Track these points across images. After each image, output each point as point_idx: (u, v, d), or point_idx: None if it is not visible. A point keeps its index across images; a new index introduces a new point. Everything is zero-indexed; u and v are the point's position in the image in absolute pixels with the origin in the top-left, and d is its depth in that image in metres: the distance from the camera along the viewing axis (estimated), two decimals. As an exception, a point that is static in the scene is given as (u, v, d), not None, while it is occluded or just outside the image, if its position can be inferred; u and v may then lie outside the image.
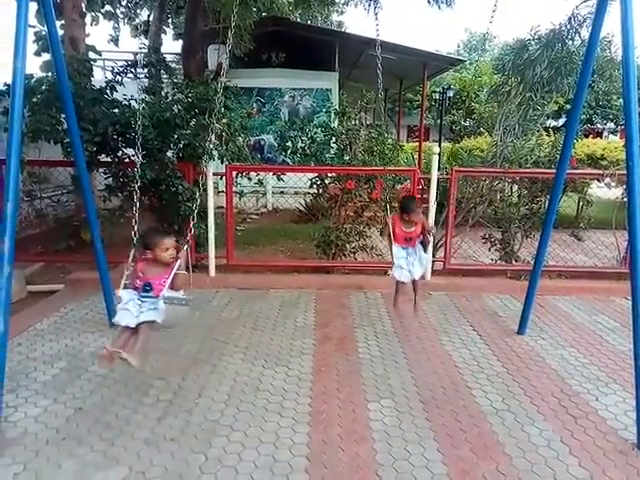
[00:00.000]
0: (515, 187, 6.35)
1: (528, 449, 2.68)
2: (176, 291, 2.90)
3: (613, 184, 6.20)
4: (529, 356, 3.87)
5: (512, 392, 3.31)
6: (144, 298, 2.84)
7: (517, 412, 3.05)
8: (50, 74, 5.83)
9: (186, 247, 3.04)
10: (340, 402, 3.14)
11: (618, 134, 27.00)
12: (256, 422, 2.90)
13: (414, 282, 3.96)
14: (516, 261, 5.94)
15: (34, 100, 5.16)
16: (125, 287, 2.90)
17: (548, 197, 4.66)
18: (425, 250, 3.91)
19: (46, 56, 9.15)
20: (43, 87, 5.24)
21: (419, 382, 3.42)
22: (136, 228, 3.20)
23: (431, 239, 4.12)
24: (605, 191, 6.41)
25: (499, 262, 5.96)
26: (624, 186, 5.87)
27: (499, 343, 4.12)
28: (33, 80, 5.35)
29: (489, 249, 6.03)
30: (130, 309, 2.79)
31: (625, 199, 5.56)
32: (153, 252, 2.92)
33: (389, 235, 3.83)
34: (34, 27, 8.94)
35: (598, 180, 6.14)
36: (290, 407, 3.07)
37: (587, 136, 15.46)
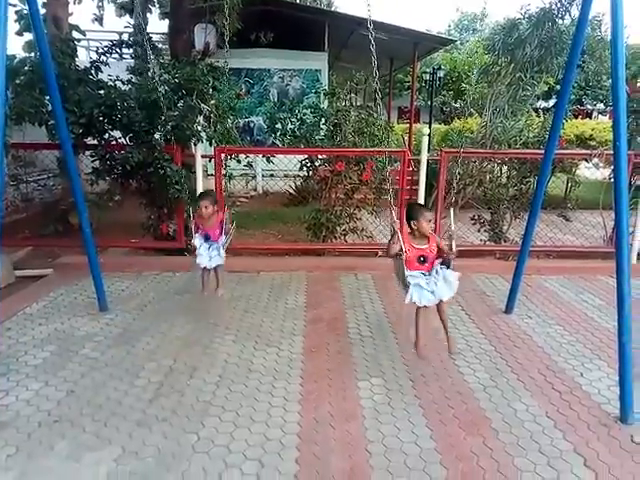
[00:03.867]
0: (504, 168, 6.38)
1: (514, 424, 2.75)
2: (226, 235, 4.01)
3: (601, 164, 6.24)
4: (516, 334, 3.94)
5: (499, 369, 3.37)
6: (208, 242, 3.94)
7: (504, 389, 3.12)
8: (33, 54, 5.70)
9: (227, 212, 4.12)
10: (331, 381, 3.18)
11: (607, 115, 27.09)
12: (248, 402, 2.93)
13: (440, 308, 3.14)
14: (505, 242, 5.99)
15: (17, 81, 5.05)
16: (197, 233, 3.93)
17: (537, 178, 4.69)
18: (448, 267, 3.13)
19: (28, 36, 8.94)
20: (26, 68, 5.12)
21: (408, 361, 3.47)
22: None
23: (454, 248, 3.17)
24: (593, 171, 6.46)
25: (488, 243, 6.01)
26: (612, 167, 5.92)
27: (487, 322, 4.18)
28: (16, 61, 5.23)
29: (478, 230, 6.07)
30: (202, 253, 3.89)
31: (612, 179, 5.61)
32: (199, 210, 3.89)
33: (397, 255, 3.02)
34: (15, 6, 8.69)
35: (586, 160, 6.18)
36: (281, 387, 3.11)
37: (576, 117, 15.48)
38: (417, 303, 3.04)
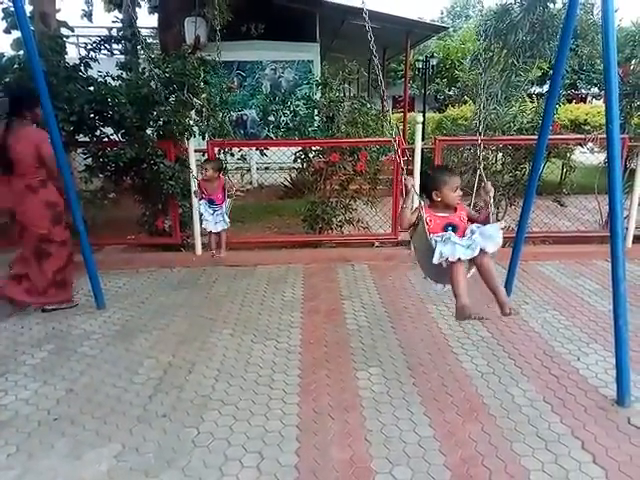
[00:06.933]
0: (499, 155, 6.36)
1: (512, 409, 2.76)
2: (229, 197, 4.39)
3: (596, 149, 6.23)
4: (513, 320, 3.94)
5: (497, 356, 3.39)
6: (213, 207, 4.29)
7: (501, 375, 3.14)
8: (22, 52, 5.64)
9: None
10: (329, 372, 3.19)
11: (601, 99, 27.01)
12: (247, 395, 2.94)
13: (481, 263, 2.58)
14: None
15: (6, 80, 5.00)
16: (201, 199, 4.28)
17: (531, 164, 4.68)
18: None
19: (17, 33, 8.84)
20: (15, 66, 5.08)
21: (406, 350, 3.48)
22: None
23: (492, 206, 2.75)
24: (588, 156, 6.45)
25: (484, 230, 5.99)
26: (607, 151, 5.91)
27: (483, 309, 4.18)
28: (4, 59, 5.19)
29: (474, 217, 6.06)
30: (208, 219, 4.28)
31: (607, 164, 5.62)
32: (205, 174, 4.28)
33: (414, 225, 2.58)
34: (1, 3, 8.61)
35: (581, 145, 6.17)
36: (280, 379, 3.12)
37: (570, 101, 15.44)
38: (450, 258, 2.42)
